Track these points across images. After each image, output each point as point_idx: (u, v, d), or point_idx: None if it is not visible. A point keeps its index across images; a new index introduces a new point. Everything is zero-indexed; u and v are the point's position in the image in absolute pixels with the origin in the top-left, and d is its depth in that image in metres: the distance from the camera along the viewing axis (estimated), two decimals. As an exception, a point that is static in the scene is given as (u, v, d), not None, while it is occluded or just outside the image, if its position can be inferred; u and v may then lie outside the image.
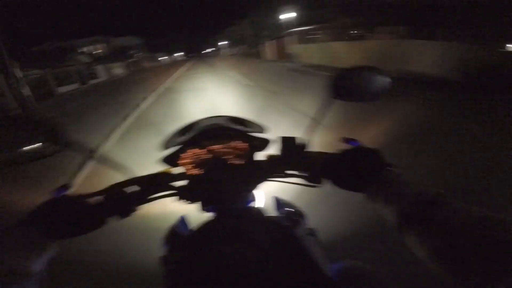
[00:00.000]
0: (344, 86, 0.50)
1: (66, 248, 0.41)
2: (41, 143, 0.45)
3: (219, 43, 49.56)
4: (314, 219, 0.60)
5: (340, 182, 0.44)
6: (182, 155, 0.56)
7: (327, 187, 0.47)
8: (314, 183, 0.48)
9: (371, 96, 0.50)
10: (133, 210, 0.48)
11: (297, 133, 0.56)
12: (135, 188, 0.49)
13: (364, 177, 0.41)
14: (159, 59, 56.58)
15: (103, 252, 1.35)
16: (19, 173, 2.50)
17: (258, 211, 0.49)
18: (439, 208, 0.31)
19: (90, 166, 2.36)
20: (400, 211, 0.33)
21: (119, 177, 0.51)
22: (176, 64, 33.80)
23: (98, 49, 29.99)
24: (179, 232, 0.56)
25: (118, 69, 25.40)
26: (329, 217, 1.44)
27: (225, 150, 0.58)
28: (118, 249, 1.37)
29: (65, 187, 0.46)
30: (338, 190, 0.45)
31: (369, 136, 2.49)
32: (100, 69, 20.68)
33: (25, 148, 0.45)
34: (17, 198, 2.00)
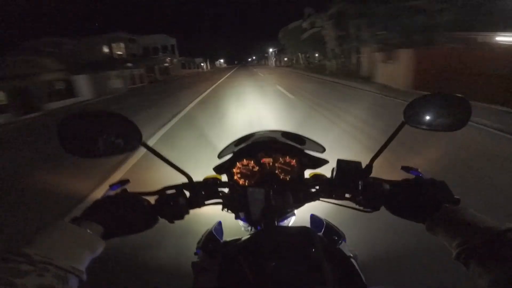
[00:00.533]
0: (419, 113, 0.48)
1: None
2: (122, 139, 0.46)
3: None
4: (351, 239, 0.59)
5: (399, 211, 0.44)
6: (234, 164, 0.56)
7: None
8: (370, 208, 0.47)
9: (448, 126, 0.48)
10: (185, 213, 0.48)
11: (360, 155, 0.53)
12: (187, 192, 0.50)
13: (427, 209, 0.40)
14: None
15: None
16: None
17: (303, 229, 0.48)
18: (508, 243, 0.31)
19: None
20: (465, 242, 0.34)
21: (172, 178, 0.52)
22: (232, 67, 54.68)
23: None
24: (215, 238, 0.56)
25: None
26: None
27: (276, 164, 0.57)
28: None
29: (122, 182, 0.49)
30: (381, 214, 0.45)
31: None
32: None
33: (106, 142, 0.46)
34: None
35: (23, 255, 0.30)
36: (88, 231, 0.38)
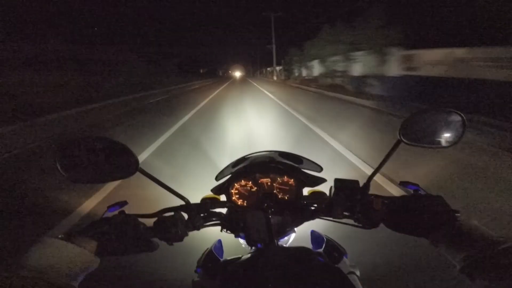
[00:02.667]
0: (414, 130, 0.48)
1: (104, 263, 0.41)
2: (119, 165, 0.47)
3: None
4: (353, 255, 0.58)
5: (398, 226, 0.45)
6: (232, 185, 0.57)
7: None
8: (369, 226, 0.48)
9: (443, 142, 0.49)
10: (183, 236, 0.48)
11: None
12: (184, 214, 0.50)
13: (428, 224, 0.42)
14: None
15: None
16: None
17: (302, 249, 0.49)
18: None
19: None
20: (470, 256, 0.34)
21: (170, 201, 0.51)
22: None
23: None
24: (215, 257, 0.56)
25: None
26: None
27: (274, 184, 0.58)
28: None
29: (120, 204, 0.49)
30: (383, 229, 0.46)
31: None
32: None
33: (103, 168, 0.46)
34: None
35: (14, 270, 0.31)
36: (81, 247, 0.38)
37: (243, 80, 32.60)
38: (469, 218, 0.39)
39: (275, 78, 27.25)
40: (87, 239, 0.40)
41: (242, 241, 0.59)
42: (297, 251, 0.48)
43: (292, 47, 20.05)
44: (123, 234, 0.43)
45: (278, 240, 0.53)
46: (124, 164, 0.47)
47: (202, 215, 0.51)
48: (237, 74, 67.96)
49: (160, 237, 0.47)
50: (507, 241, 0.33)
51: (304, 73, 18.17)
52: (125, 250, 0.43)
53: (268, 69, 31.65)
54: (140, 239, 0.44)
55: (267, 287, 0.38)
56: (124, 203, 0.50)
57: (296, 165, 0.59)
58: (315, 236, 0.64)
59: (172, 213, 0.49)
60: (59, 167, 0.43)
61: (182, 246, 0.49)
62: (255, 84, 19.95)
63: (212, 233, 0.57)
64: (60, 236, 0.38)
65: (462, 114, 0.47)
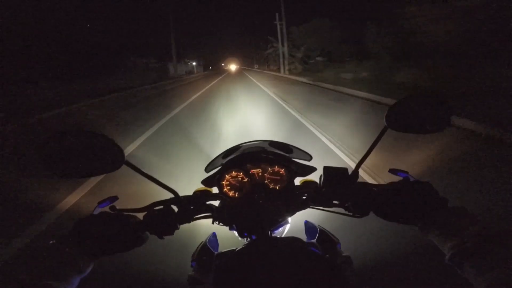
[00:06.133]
0: (401, 116, 0.48)
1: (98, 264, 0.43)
2: (105, 158, 0.46)
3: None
4: (346, 244, 0.60)
5: (388, 214, 0.45)
6: (223, 176, 0.58)
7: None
8: (359, 214, 0.48)
9: (429, 127, 0.49)
10: (174, 229, 0.49)
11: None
12: (175, 207, 0.51)
13: (417, 211, 0.42)
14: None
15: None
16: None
17: (294, 240, 0.49)
18: (504, 244, 0.32)
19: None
20: (459, 244, 0.35)
21: (160, 194, 0.51)
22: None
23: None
24: (209, 250, 0.57)
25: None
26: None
27: (265, 174, 0.58)
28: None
29: (111, 199, 0.50)
30: (375, 217, 0.46)
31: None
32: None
33: (88, 161, 0.46)
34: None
35: (9, 276, 0.31)
36: (75, 251, 0.38)
37: (238, 73, 29.05)
38: (459, 207, 0.40)
39: (284, 72, 18.27)
40: (80, 242, 0.41)
41: (236, 233, 0.60)
42: (289, 242, 0.49)
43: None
44: (114, 231, 0.43)
45: (272, 231, 0.54)
46: (109, 158, 0.46)
47: (192, 207, 0.52)
48: (233, 67, 66.04)
49: (151, 231, 0.47)
50: (495, 228, 0.34)
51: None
52: (118, 248, 0.44)
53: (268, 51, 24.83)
54: (131, 234, 0.45)
55: (260, 279, 0.39)
56: (115, 198, 0.50)
57: (287, 155, 0.60)
58: (309, 227, 0.65)
59: (161, 207, 0.49)
60: (41, 162, 0.43)
61: (178, 240, 0.49)
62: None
63: (208, 227, 0.58)
64: (52, 242, 0.39)
65: (447, 100, 0.48)
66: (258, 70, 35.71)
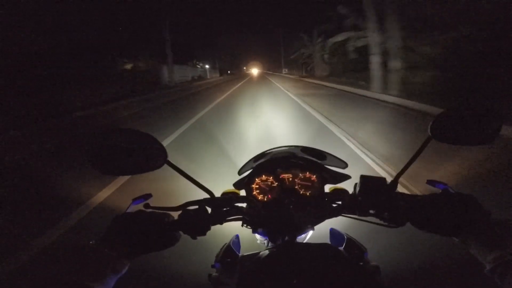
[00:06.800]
0: (447, 127, 0.58)
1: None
2: (148, 157, 0.58)
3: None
4: (373, 254, 0.70)
5: (429, 225, 0.54)
6: (253, 180, 0.73)
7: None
8: (396, 224, 0.58)
9: (477, 139, 0.58)
10: (206, 230, 0.60)
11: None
12: (208, 207, 0.63)
13: (459, 223, 0.51)
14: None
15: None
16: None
17: (326, 247, 0.59)
18: None
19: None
20: (502, 256, 0.42)
21: (193, 194, 0.65)
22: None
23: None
24: (233, 252, 0.70)
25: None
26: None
27: (296, 179, 0.72)
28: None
29: (145, 196, 0.63)
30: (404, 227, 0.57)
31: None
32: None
33: (133, 160, 0.58)
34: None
35: (45, 274, 0.41)
36: (113, 251, 0.49)
37: (261, 79, 30.87)
38: (501, 219, 0.48)
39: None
40: (116, 242, 0.51)
41: (258, 236, 0.72)
42: (319, 248, 0.59)
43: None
44: (150, 230, 0.54)
45: (296, 237, 0.65)
46: (153, 156, 0.59)
47: (225, 209, 0.64)
48: (254, 71, 73.22)
49: (184, 231, 0.58)
50: None
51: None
52: (153, 247, 0.55)
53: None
54: (165, 233, 0.56)
55: (290, 284, 0.48)
56: (149, 195, 0.63)
57: (319, 161, 0.73)
58: (335, 234, 0.77)
59: (196, 207, 0.61)
60: (88, 159, 0.55)
61: (200, 240, 0.62)
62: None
63: (228, 229, 0.70)
64: (91, 242, 0.50)
65: (496, 111, 0.56)
66: (292, 76, 32.56)
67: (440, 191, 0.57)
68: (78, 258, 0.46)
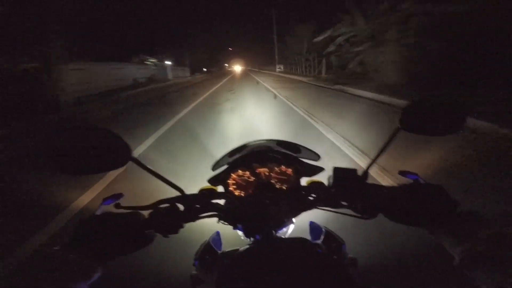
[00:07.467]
0: (415, 118, 0.72)
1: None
2: (111, 154, 0.67)
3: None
4: (351, 246, 0.87)
5: (397, 216, 0.67)
6: (229, 175, 0.90)
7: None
8: (368, 215, 0.72)
9: (443, 130, 0.73)
10: (179, 228, 0.72)
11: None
12: (180, 205, 0.75)
13: (428, 214, 0.63)
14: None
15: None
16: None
17: (301, 240, 0.73)
18: None
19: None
20: (470, 248, 0.51)
21: (164, 192, 0.79)
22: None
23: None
24: (213, 249, 0.85)
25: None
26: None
27: (272, 173, 0.90)
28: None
29: (115, 196, 0.74)
30: (382, 219, 0.69)
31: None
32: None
33: (94, 158, 0.66)
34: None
35: (12, 285, 0.45)
36: (81, 256, 0.54)
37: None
38: (470, 209, 0.58)
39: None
40: (86, 247, 0.58)
41: (240, 233, 0.88)
42: (295, 242, 0.73)
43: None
44: (120, 231, 0.64)
45: (276, 231, 0.81)
46: (116, 154, 0.68)
47: (198, 206, 0.76)
48: (238, 68, 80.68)
49: (156, 229, 0.70)
50: (509, 232, 0.48)
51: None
52: (125, 249, 0.64)
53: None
54: (137, 233, 0.66)
55: (265, 279, 0.58)
56: (120, 195, 0.75)
57: (294, 154, 0.91)
58: (314, 228, 0.95)
59: (167, 205, 0.73)
60: (46, 159, 0.62)
61: (181, 239, 0.76)
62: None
63: (211, 226, 0.87)
64: (56, 248, 0.56)
65: (462, 102, 0.71)
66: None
67: (412, 181, 0.71)
68: (43, 267, 0.50)
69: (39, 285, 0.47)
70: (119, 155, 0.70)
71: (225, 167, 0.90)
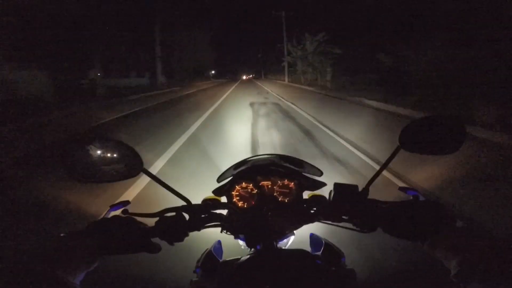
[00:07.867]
0: (415, 137, 0.75)
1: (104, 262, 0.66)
2: (124, 165, 0.72)
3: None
4: (351, 258, 0.95)
5: (396, 231, 0.69)
6: (233, 187, 0.94)
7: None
8: (367, 229, 0.74)
9: (443, 149, 0.76)
10: (184, 236, 0.75)
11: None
12: (185, 214, 0.79)
13: (425, 229, 0.65)
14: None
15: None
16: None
17: (301, 252, 0.76)
18: (509, 260, 0.48)
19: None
20: (466, 260, 0.52)
21: (171, 201, 0.83)
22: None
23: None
24: (214, 257, 0.88)
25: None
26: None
27: (275, 187, 0.94)
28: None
29: (123, 203, 0.78)
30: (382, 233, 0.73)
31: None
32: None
33: (108, 168, 0.71)
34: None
35: (20, 264, 0.50)
36: (82, 246, 0.60)
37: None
38: (466, 224, 0.61)
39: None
40: (88, 238, 0.63)
41: (241, 242, 0.92)
42: (295, 253, 0.76)
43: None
44: (124, 233, 0.67)
45: (277, 242, 0.86)
46: (128, 165, 0.73)
47: (203, 216, 0.80)
48: (244, 76, 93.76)
49: (161, 237, 0.73)
50: (504, 244, 0.50)
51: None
52: (125, 249, 0.68)
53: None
54: (141, 239, 0.69)
55: None
56: (127, 202, 0.79)
57: (297, 169, 0.95)
58: (314, 239, 0.98)
59: (173, 213, 0.77)
60: (63, 166, 0.67)
61: (182, 246, 0.81)
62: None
63: (212, 234, 0.90)
64: (62, 235, 0.62)
65: (462, 121, 0.74)
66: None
67: (411, 197, 0.73)
68: (51, 248, 0.56)
69: (44, 264, 0.52)
70: (131, 166, 0.75)
71: (229, 178, 0.95)
